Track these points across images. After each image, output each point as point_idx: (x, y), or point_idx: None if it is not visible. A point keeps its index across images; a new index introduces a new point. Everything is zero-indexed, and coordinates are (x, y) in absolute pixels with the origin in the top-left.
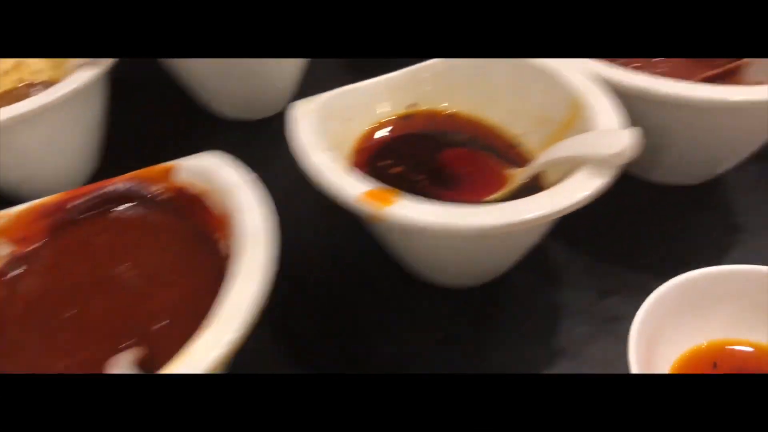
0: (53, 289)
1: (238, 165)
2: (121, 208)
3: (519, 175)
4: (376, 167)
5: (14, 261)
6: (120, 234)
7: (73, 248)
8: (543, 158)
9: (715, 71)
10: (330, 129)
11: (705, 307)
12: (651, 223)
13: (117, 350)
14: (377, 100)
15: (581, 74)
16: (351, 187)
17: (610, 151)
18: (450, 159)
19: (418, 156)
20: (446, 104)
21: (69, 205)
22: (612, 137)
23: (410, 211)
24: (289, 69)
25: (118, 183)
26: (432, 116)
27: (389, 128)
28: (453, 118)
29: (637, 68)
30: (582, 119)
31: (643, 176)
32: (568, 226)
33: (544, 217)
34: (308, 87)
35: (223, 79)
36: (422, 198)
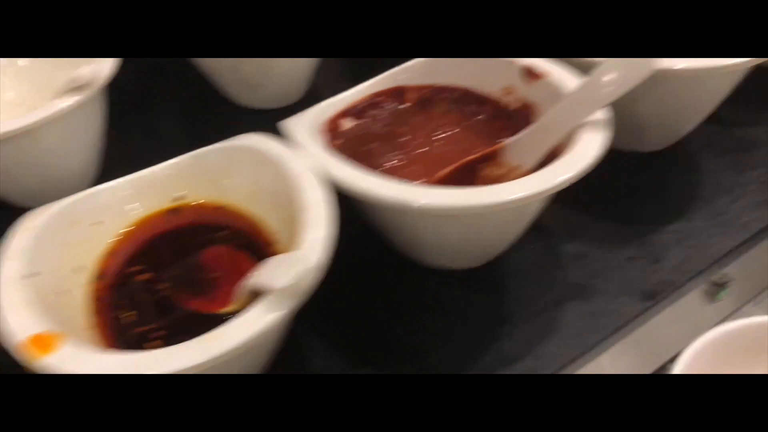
0: None
1: None
2: None
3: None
4: (125, 273)
5: None
6: None
7: None
8: (243, 285)
9: (474, 155)
10: (73, 237)
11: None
12: (422, 313)
13: None
14: (135, 196)
15: (316, 177)
16: (17, 329)
17: (280, 284)
18: (208, 259)
19: (176, 257)
20: (216, 195)
21: None
22: (284, 269)
23: (66, 363)
24: (80, 150)
25: None
26: (200, 209)
27: (152, 225)
28: (222, 211)
29: (419, 145)
30: (299, 228)
31: (417, 260)
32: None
33: (196, 366)
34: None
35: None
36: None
